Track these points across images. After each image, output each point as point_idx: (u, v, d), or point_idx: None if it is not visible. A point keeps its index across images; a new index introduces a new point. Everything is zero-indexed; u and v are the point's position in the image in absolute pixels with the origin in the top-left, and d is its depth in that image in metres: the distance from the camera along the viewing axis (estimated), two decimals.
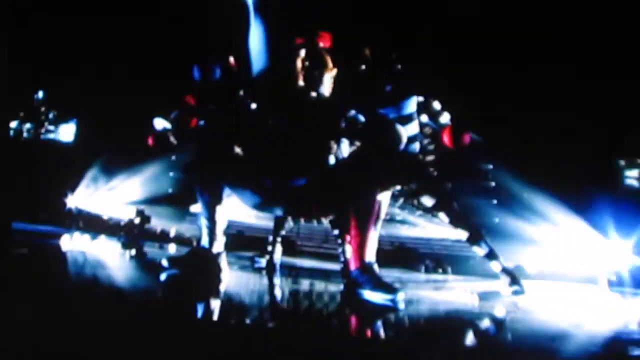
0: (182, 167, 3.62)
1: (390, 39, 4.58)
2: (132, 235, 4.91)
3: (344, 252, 3.49)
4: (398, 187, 3.24)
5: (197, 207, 3.42)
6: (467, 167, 4.49)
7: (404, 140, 2.92)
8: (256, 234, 4.77)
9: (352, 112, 3.09)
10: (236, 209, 3.61)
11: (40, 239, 4.72)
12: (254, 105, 3.26)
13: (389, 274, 3.63)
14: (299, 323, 2.39)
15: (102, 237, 5.13)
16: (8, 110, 6.68)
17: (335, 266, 3.55)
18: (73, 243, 4.77)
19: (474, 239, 3.77)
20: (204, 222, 3.30)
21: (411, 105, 3.78)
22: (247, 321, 2.26)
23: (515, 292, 3.54)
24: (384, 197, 3.07)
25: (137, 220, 5.02)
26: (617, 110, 5.16)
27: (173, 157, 5.45)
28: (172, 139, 3.88)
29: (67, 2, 6.65)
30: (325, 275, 3.95)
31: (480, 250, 3.76)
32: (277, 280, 3.71)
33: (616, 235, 4.39)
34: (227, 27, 3.67)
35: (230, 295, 3.01)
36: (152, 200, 5.60)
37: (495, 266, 3.70)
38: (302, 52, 3.29)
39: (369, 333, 2.27)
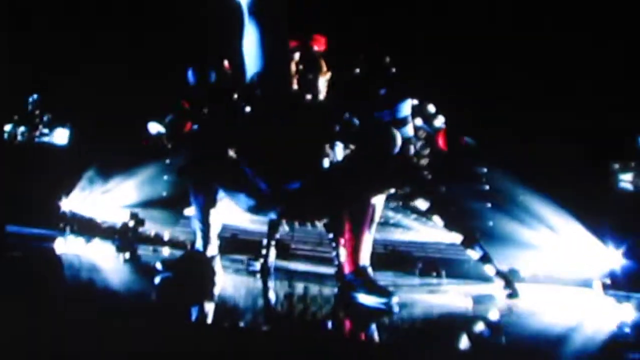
0: (176, 170, 3.62)
1: (385, 42, 4.58)
2: (126, 238, 4.88)
3: (338, 255, 3.47)
4: (392, 191, 3.23)
5: (191, 211, 3.42)
6: (461, 171, 4.48)
7: (399, 143, 2.93)
8: (250, 237, 4.76)
9: (347, 115, 3.10)
10: (230, 212, 3.60)
11: (34, 242, 4.70)
12: (248, 109, 3.26)
13: (383, 278, 3.62)
14: (293, 326, 2.38)
15: (96, 240, 5.11)
16: (2, 113, 6.68)
17: (330, 270, 3.54)
18: (67, 246, 4.76)
19: (468, 243, 3.77)
20: (197, 225, 3.29)
21: (405, 108, 3.79)
22: (241, 324, 2.26)
23: (510, 296, 3.54)
24: (378, 201, 3.07)
25: (131, 224, 5.00)
26: (612, 112, 5.18)
27: (167, 161, 5.43)
28: (166, 142, 3.88)
29: (64, 3, 6.65)
30: (319, 278, 3.94)
31: (474, 254, 3.76)
32: (271, 284, 3.70)
33: (610, 239, 4.39)
34: (222, 31, 3.67)
35: (224, 299, 3.01)
36: (146, 204, 5.58)
37: (489, 270, 3.70)
38: (297, 56, 3.29)
39: (363, 336, 2.27)
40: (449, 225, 3.82)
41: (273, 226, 4.07)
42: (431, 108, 3.93)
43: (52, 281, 2.88)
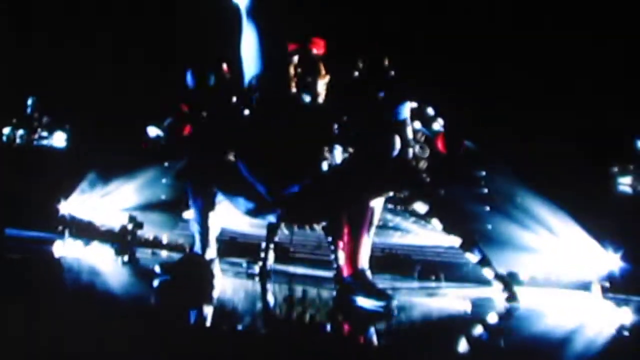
0: (175, 173, 3.62)
1: (384, 42, 4.59)
2: (125, 241, 4.88)
3: (337, 258, 3.47)
4: (391, 194, 3.23)
5: (189, 214, 3.42)
6: (460, 174, 4.48)
7: (397, 146, 2.93)
8: (249, 240, 4.76)
9: (345, 118, 3.10)
10: (229, 215, 3.60)
11: (33, 245, 4.70)
12: (247, 112, 3.26)
13: (382, 281, 3.62)
14: (292, 329, 2.38)
15: (95, 243, 5.11)
16: (1, 116, 6.68)
17: (328, 273, 3.53)
18: (66, 249, 4.75)
19: (467, 246, 3.77)
20: (196, 228, 3.29)
21: (404, 111, 3.78)
22: (240, 327, 2.25)
23: (508, 299, 3.54)
24: (377, 204, 3.07)
25: (129, 227, 5.00)
26: (612, 113, 5.18)
27: (166, 164, 5.43)
28: (165, 146, 3.88)
29: (64, 3, 6.65)
30: (318, 281, 3.94)
31: (473, 257, 3.75)
32: (269, 287, 3.70)
33: (609, 242, 4.39)
34: (221, 34, 3.67)
35: (223, 302, 3.00)
36: (144, 207, 5.58)
37: (488, 273, 3.70)
38: (295, 59, 3.29)
39: (361, 339, 2.27)
40: (448, 228, 3.81)
41: (272, 229, 4.07)
42: (430, 111, 3.94)
43: (50, 284, 2.87)
